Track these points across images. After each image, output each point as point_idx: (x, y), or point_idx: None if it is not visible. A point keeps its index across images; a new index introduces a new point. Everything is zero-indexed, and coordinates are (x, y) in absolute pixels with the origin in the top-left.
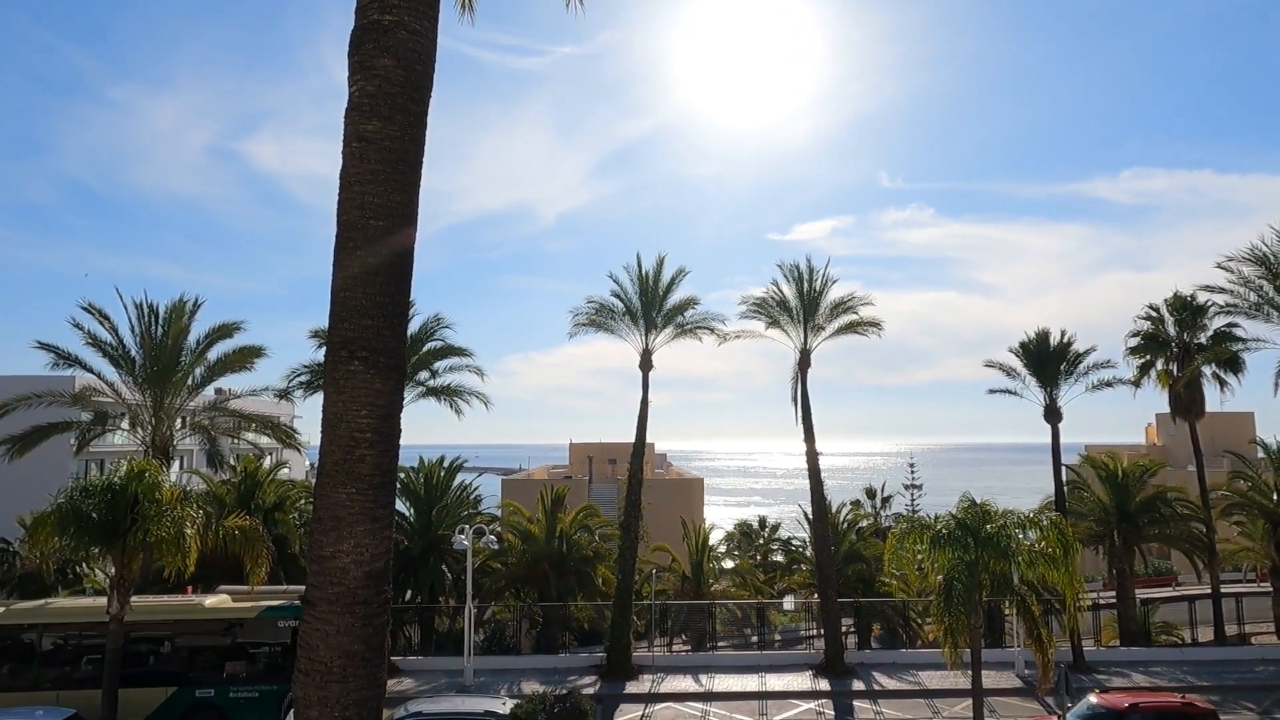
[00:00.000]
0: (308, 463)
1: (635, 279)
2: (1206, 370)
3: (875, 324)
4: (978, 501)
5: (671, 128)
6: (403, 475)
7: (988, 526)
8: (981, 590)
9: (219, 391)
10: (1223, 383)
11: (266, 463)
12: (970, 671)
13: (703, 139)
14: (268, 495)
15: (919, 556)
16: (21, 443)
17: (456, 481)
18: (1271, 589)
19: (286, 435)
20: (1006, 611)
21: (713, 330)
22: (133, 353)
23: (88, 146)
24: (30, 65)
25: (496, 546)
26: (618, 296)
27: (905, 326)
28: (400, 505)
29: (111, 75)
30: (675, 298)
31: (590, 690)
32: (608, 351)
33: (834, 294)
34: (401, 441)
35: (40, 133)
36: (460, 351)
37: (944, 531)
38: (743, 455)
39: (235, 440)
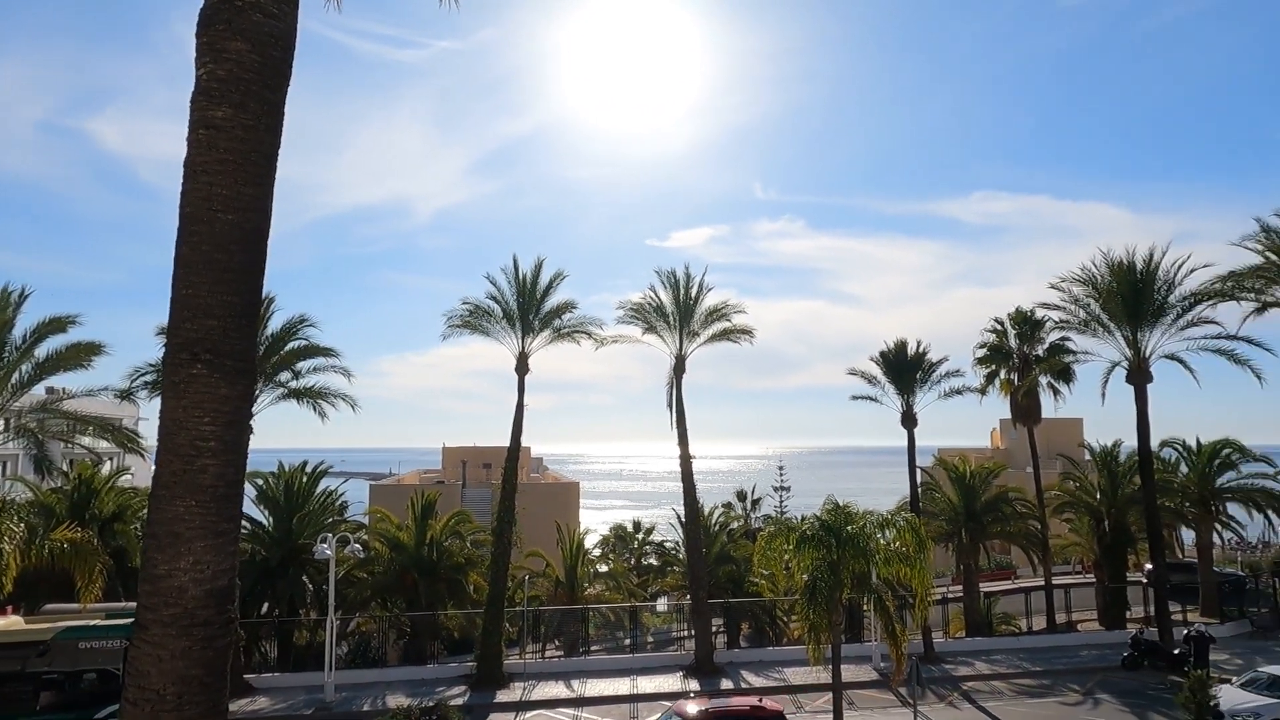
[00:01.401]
0: (153, 468)
1: (512, 281)
2: (1043, 380)
3: (748, 331)
4: (840, 504)
5: (553, 129)
6: (260, 482)
7: (849, 527)
8: (842, 588)
9: (51, 391)
10: (1056, 391)
11: (105, 469)
12: (831, 666)
13: (584, 142)
14: (106, 504)
15: (785, 557)
16: None
17: (320, 488)
18: (1095, 579)
19: (128, 439)
20: (865, 608)
21: (590, 335)
22: None
23: None
24: None
25: (363, 555)
26: (494, 299)
27: (777, 334)
28: (258, 514)
29: None
30: (553, 301)
31: (459, 701)
32: (484, 353)
33: (709, 301)
34: (262, 446)
35: None
36: (325, 351)
37: (808, 533)
38: (619, 459)
39: (69, 444)
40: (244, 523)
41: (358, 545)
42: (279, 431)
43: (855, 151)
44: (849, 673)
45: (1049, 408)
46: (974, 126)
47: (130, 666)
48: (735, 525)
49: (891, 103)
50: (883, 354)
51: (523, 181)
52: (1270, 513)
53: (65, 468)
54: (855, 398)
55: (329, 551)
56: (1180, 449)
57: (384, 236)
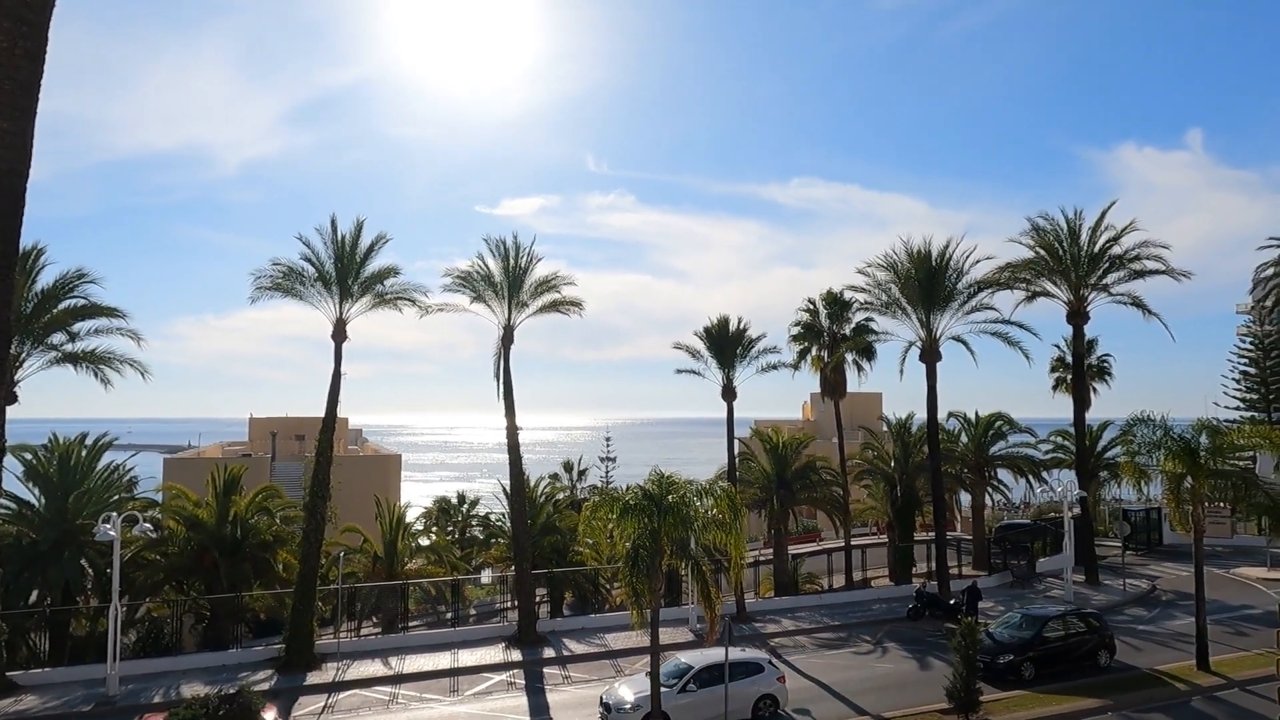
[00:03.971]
0: None
1: (330, 242)
2: (849, 357)
3: (577, 303)
4: (664, 474)
5: (378, 82)
6: (29, 456)
7: (670, 496)
8: (664, 555)
9: None
10: (860, 368)
11: None
12: (650, 630)
13: (412, 99)
14: None
15: (609, 526)
16: None
17: (103, 462)
18: (887, 540)
19: None
20: (683, 573)
21: (414, 302)
22: None
23: None
24: None
25: (155, 535)
26: (309, 260)
27: (606, 306)
28: (25, 492)
29: None
30: (374, 265)
31: (265, 685)
32: (297, 318)
33: (539, 272)
34: (31, 415)
35: None
36: (108, 311)
37: (632, 502)
38: (445, 430)
39: None
40: (7, 503)
41: (148, 525)
42: (53, 399)
43: (686, 131)
44: (667, 635)
45: (854, 383)
46: (797, 115)
47: None
48: (561, 496)
49: (723, 85)
50: (706, 329)
51: (343, 136)
52: (1030, 477)
53: None
54: (680, 371)
55: (113, 533)
56: (962, 421)
57: (181, 185)
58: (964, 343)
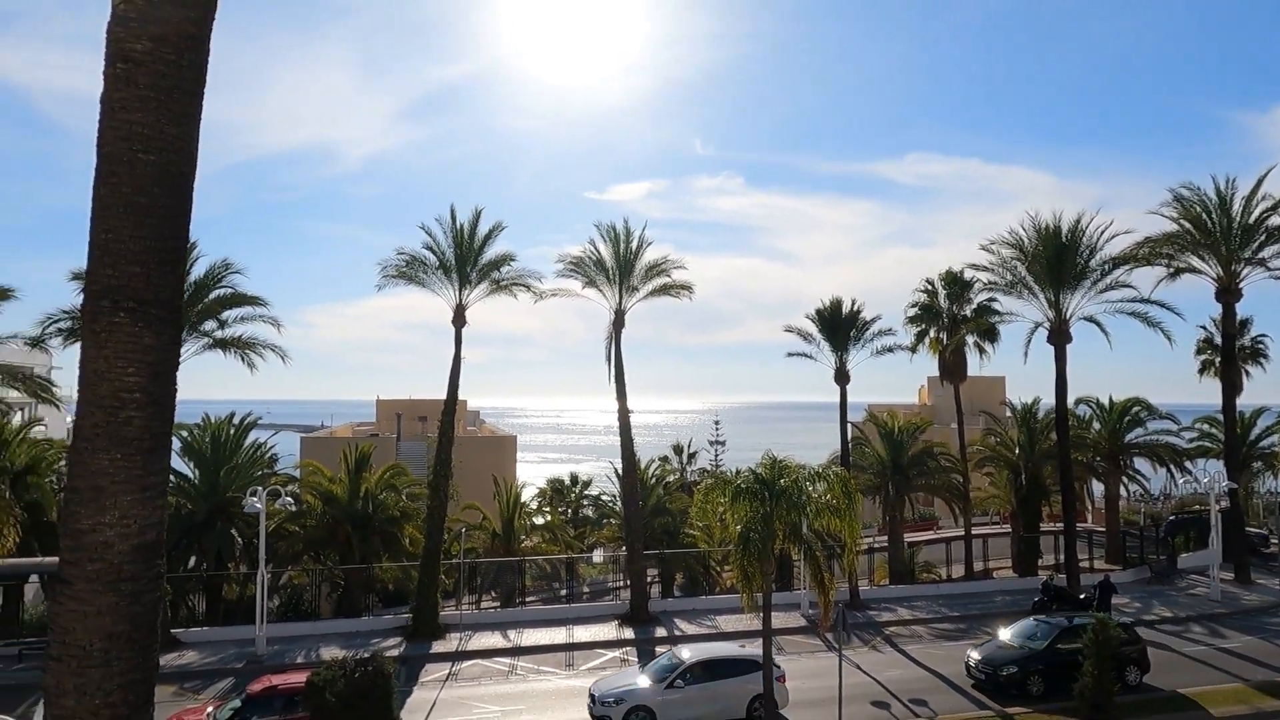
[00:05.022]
0: (69, 419)
1: (449, 231)
2: (969, 339)
3: (687, 287)
4: (776, 458)
5: (488, 76)
6: (185, 434)
7: (782, 481)
8: (775, 539)
9: None
10: (982, 350)
11: (16, 419)
12: (762, 614)
13: (521, 91)
14: (17, 456)
15: (721, 509)
16: None
17: (249, 440)
18: (1011, 530)
19: (41, 388)
20: (795, 557)
21: (529, 288)
22: None
23: None
24: None
25: (294, 508)
26: (430, 249)
27: (714, 290)
28: (183, 466)
29: None
30: (491, 253)
31: (395, 652)
32: (417, 305)
33: (649, 256)
34: (185, 397)
35: None
36: (253, 300)
37: (744, 486)
38: (556, 412)
39: None
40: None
41: (289, 498)
42: (203, 382)
43: (796, 110)
44: (779, 619)
45: (974, 366)
46: (912, 88)
47: (54, 623)
48: (671, 479)
49: (834, 62)
50: (818, 312)
51: (455, 129)
52: (1172, 466)
53: None
54: (791, 355)
55: (259, 505)
56: (1094, 406)
57: (308, 183)
58: (1097, 323)
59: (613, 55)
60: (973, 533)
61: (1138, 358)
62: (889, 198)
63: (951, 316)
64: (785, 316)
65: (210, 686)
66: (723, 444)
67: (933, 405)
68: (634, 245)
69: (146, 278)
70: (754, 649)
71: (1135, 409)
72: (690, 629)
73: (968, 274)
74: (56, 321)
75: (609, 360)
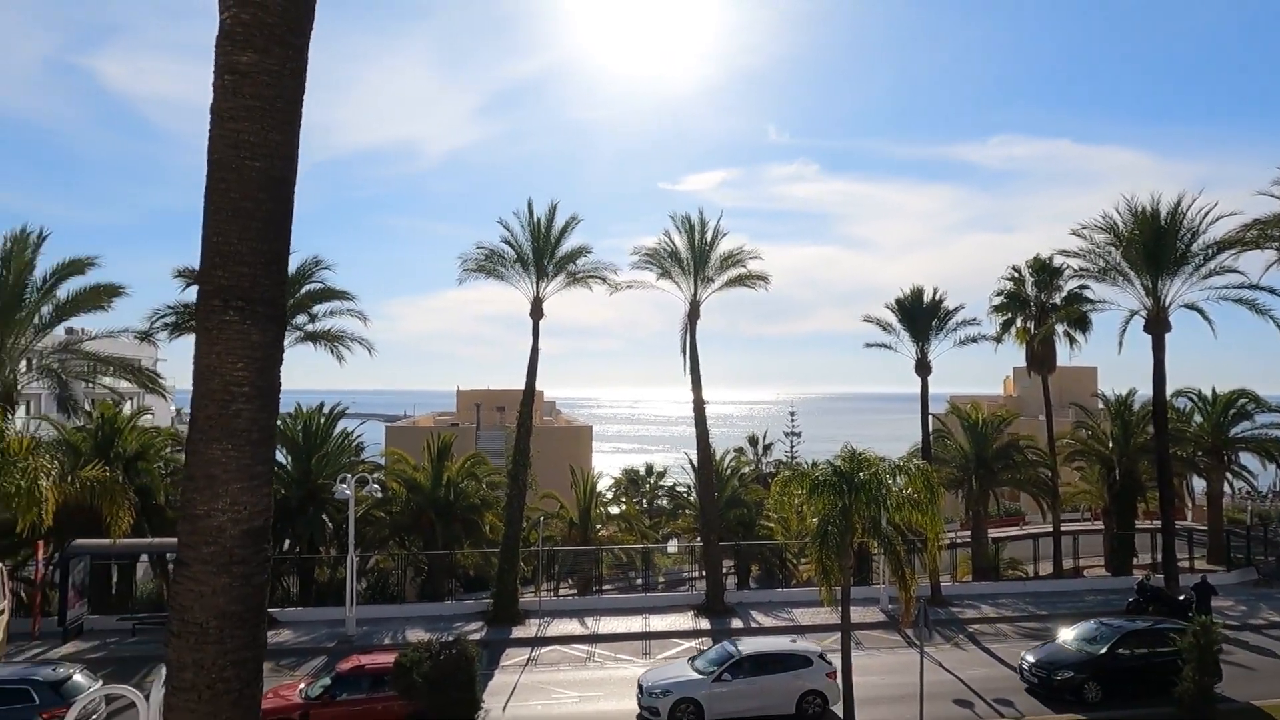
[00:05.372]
0: (174, 408)
1: (526, 225)
2: (1059, 328)
3: (763, 277)
4: (856, 450)
5: (562, 70)
6: (279, 423)
7: (861, 473)
8: (854, 532)
9: (70, 331)
10: (1072, 340)
11: (127, 408)
12: (840, 608)
13: (594, 84)
14: (129, 443)
15: (798, 501)
16: None
17: (338, 429)
18: (1103, 527)
19: (149, 380)
20: (874, 551)
21: (605, 279)
22: None
23: None
24: None
25: (380, 495)
26: (508, 243)
27: (787, 279)
28: (278, 454)
29: None
30: (567, 245)
31: (476, 636)
32: (495, 297)
33: (724, 247)
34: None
35: None
36: (342, 295)
37: (822, 478)
38: (630, 403)
39: (90, 384)
40: None
41: (375, 485)
42: (295, 373)
43: (873, 93)
44: (857, 614)
45: (1064, 356)
46: (998, 68)
47: (173, 601)
48: (746, 470)
49: (911, 43)
50: (898, 301)
51: (531, 123)
52: None
53: (88, 407)
54: (869, 345)
55: (348, 491)
56: (1195, 399)
57: (392, 179)
58: (1199, 311)
59: (685, 44)
60: (1062, 529)
61: (1244, 348)
62: (970, 182)
63: (1040, 305)
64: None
65: (304, 664)
66: (798, 435)
67: (1019, 397)
68: (709, 236)
69: (254, 278)
70: (805, 645)
71: (1241, 401)
72: (766, 621)
73: (1057, 260)
74: (163, 316)
75: (684, 351)
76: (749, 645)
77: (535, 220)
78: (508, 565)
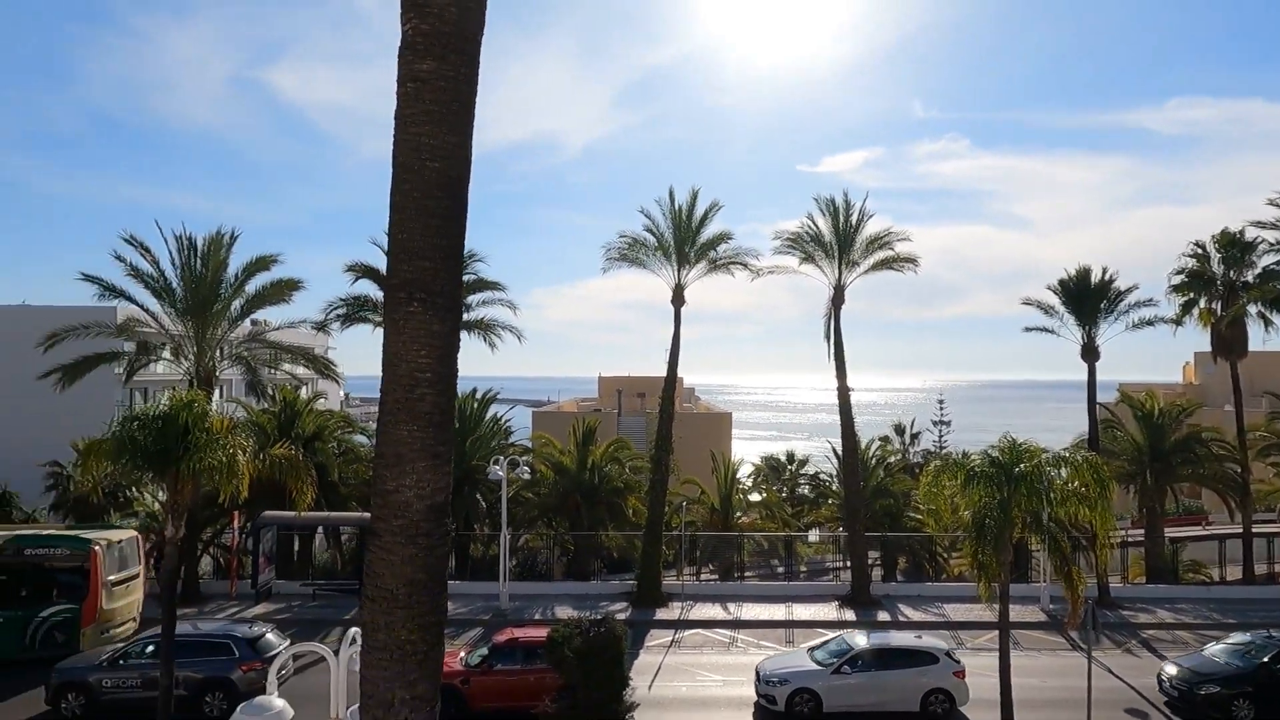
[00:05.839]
0: (343, 393)
1: (668, 213)
2: (1251, 309)
3: (912, 260)
4: (1015, 440)
5: (696, 56)
6: None
7: (1022, 465)
8: (1012, 527)
9: (255, 323)
10: (1267, 321)
11: (304, 393)
12: (997, 605)
13: (728, 68)
14: (307, 424)
15: (950, 493)
16: (71, 372)
17: (489, 413)
18: None
19: (324, 366)
20: (1034, 548)
21: (746, 265)
22: (174, 284)
23: (113, 76)
24: None
25: (529, 477)
26: (650, 231)
27: (934, 261)
28: None
29: (131, 3)
30: (708, 232)
31: (622, 616)
32: (635, 285)
33: (870, 229)
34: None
35: (66, 62)
36: (494, 285)
37: (978, 469)
38: (769, 390)
39: (273, 370)
40: None
41: (525, 468)
42: None
43: (1029, 59)
44: (1015, 613)
45: (1256, 340)
46: (1173, 21)
47: (367, 568)
48: (893, 459)
49: (1067, 4)
50: (1062, 283)
51: (666, 112)
52: None
53: (270, 391)
54: (1029, 329)
55: (500, 473)
56: None
57: (534, 173)
58: None
59: (821, 23)
60: (1254, 530)
61: None
62: (1143, 151)
63: (1228, 283)
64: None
65: (462, 634)
66: (947, 424)
67: (1200, 385)
68: (854, 218)
69: (435, 272)
70: (932, 640)
71: None
72: (915, 615)
73: (1249, 233)
74: (335, 309)
75: (827, 337)
76: (872, 638)
77: (676, 208)
78: (651, 548)
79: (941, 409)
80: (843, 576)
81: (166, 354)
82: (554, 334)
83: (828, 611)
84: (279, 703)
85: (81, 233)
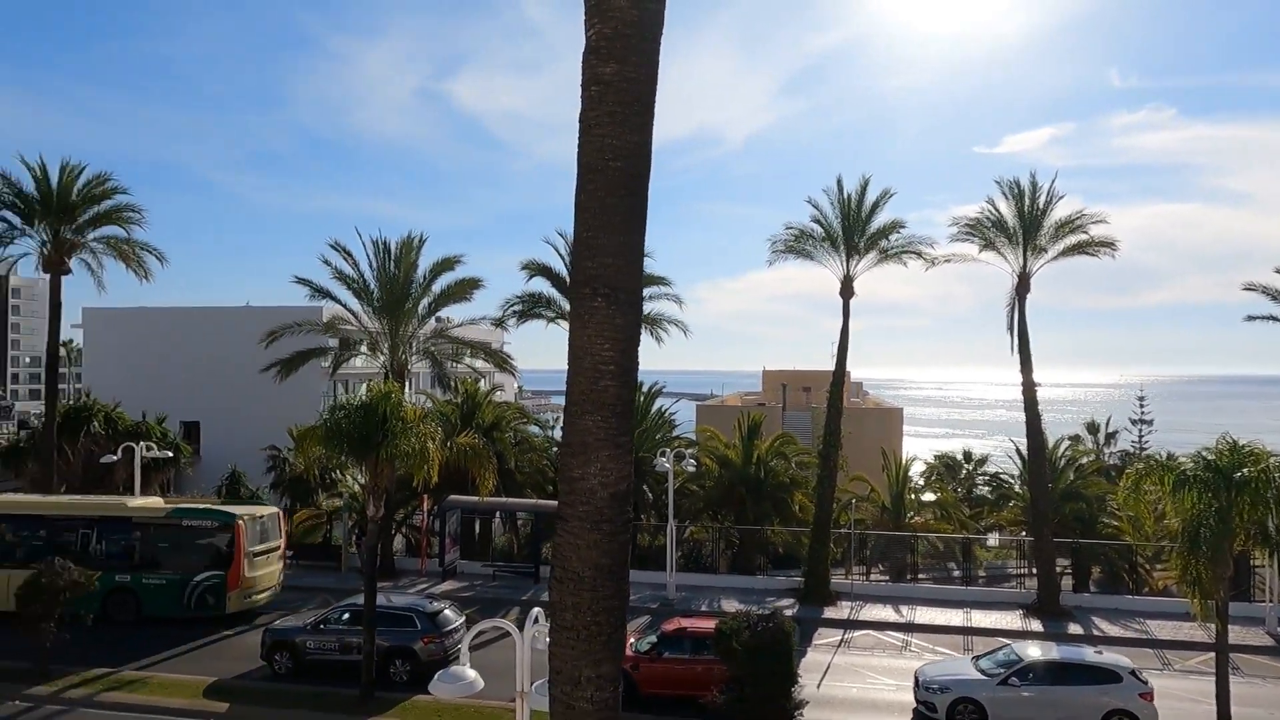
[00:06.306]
0: (517, 385)
1: (835, 202)
2: None
3: (1108, 244)
4: (1238, 442)
5: (863, 38)
6: None
7: (1245, 469)
8: (1232, 538)
9: (439, 320)
10: None
11: (483, 385)
12: (1212, 625)
13: (898, 48)
14: (486, 415)
15: (1155, 499)
16: (287, 366)
17: (655, 407)
18: None
19: (501, 360)
20: (1258, 562)
21: (920, 254)
22: (371, 285)
23: (315, 96)
24: (267, 26)
25: (694, 470)
26: (818, 221)
27: (1132, 243)
28: None
29: (331, 27)
30: (879, 221)
31: (789, 612)
32: (798, 276)
33: (1059, 211)
34: None
35: (277, 87)
36: (660, 280)
37: (1190, 473)
38: (942, 384)
39: (455, 364)
40: None
41: (691, 461)
42: None
43: (1249, 12)
44: (1235, 634)
45: None
46: None
47: (555, 551)
48: (1085, 460)
49: None
50: None
51: (832, 98)
52: None
53: (452, 384)
54: (1251, 318)
55: (667, 465)
56: None
57: (695, 167)
58: None
59: None
60: None
61: None
62: None
63: None
64: (1237, 271)
65: (629, 621)
66: (1148, 423)
67: None
68: (1041, 200)
69: (617, 267)
70: (1114, 657)
71: None
72: (1112, 630)
73: None
74: (512, 306)
75: (1010, 329)
76: (1043, 650)
77: (845, 197)
78: (819, 545)
79: (1141, 407)
80: (1027, 584)
81: (364, 349)
82: (715, 327)
83: (1011, 620)
84: (471, 673)
85: (290, 239)
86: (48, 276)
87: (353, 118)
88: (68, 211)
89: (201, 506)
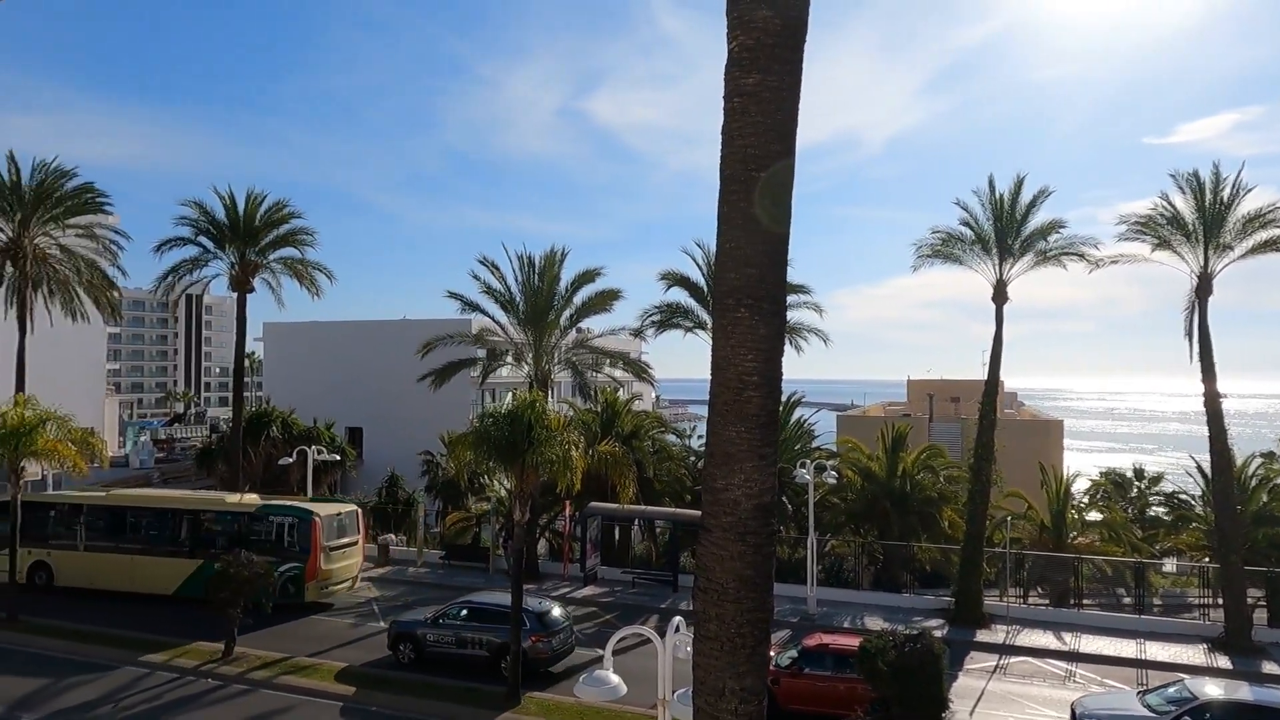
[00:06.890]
0: (655, 395)
1: (986, 203)
2: None
3: None
4: None
5: (1013, 29)
6: None
7: None
8: None
9: (580, 330)
10: None
11: (622, 394)
12: None
13: (1050, 38)
14: (625, 424)
15: None
16: (440, 375)
17: (794, 417)
18: None
19: (640, 370)
20: None
21: (1083, 256)
22: (516, 298)
23: (465, 120)
24: (420, 54)
25: (834, 482)
26: (967, 224)
27: None
28: None
29: (480, 54)
30: (1035, 222)
31: (939, 634)
32: (943, 281)
33: (1247, 205)
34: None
35: (429, 112)
36: (800, 289)
37: None
38: (1106, 395)
39: (595, 374)
40: None
41: (833, 472)
42: None
43: None
44: None
45: None
46: None
47: (699, 562)
48: None
49: None
50: None
51: (980, 94)
52: None
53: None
54: None
55: (808, 476)
56: None
57: (832, 172)
58: None
59: None
60: None
61: None
62: None
63: None
64: None
65: (773, 633)
66: None
67: None
68: (1225, 193)
69: (760, 278)
70: None
71: None
72: None
73: None
74: (650, 316)
75: (1189, 335)
76: (1226, 690)
77: (997, 197)
78: (970, 564)
79: None
80: (1212, 615)
81: (509, 359)
82: (855, 335)
83: (1193, 654)
84: (615, 678)
85: (440, 254)
86: (235, 294)
87: (498, 138)
88: (252, 235)
89: (285, 503)
